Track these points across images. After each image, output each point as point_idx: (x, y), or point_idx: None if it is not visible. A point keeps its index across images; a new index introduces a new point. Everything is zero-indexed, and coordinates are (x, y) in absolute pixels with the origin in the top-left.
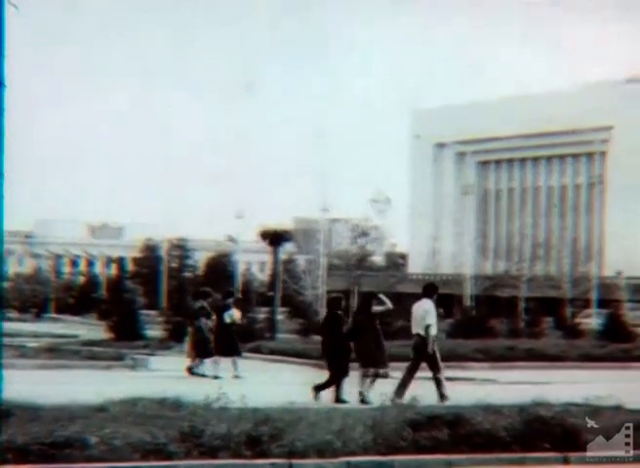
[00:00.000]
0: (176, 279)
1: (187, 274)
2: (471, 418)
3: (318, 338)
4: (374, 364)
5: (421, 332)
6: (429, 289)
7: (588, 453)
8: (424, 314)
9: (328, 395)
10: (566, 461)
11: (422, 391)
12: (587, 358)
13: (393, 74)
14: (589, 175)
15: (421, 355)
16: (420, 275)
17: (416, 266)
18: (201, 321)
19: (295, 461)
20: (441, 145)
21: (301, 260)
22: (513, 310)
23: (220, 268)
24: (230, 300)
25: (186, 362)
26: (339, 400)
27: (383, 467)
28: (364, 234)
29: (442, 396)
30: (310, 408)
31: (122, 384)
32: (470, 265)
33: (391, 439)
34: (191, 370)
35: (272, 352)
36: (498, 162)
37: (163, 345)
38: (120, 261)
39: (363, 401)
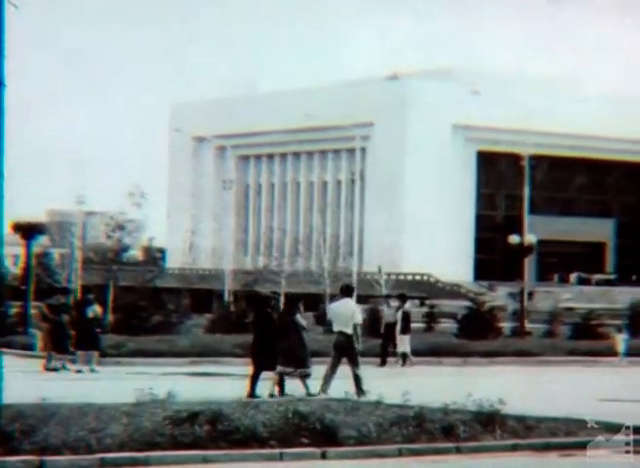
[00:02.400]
0: None
1: None
2: (230, 414)
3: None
4: (296, 364)
5: (345, 330)
6: (348, 289)
7: (346, 448)
8: (352, 313)
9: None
10: (324, 457)
11: (181, 387)
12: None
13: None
14: (350, 172)
15: (344, 351)
16: (178, 270)
17: (174, 261)
18: (63, 317)
19: (46, 458)
20: (200, 139)
21: (56, 254)
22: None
23: None
24: (92, 296)
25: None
26: (253, 395)
27: (139, 463)
28: (120, 228)
29: (360, 391)
30: (64, 404)
31: None
32: (230, 260)
33: (148, 435)
34: (48, 367)
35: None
36: (258, 157)
37: None
38: None
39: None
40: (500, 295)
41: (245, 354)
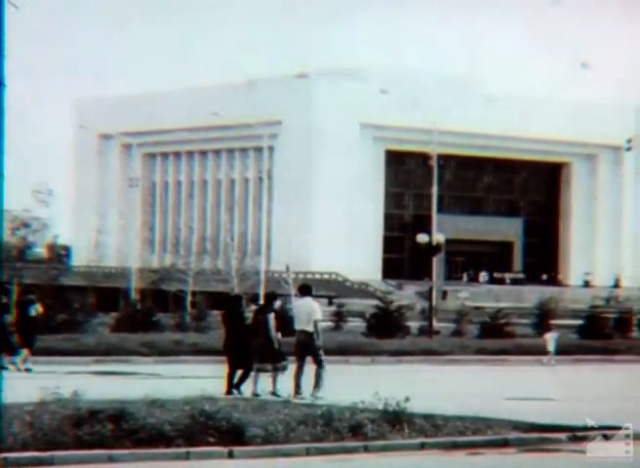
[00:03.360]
0: None
1: None
2: (135, 413)
3: None
4: (271, 360)
5: (306, 329)
6: (307, 288)
7: (253, 448)
8: (312, 311)
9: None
10: (230, 456)
11: (87, 386)
12: None
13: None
14: (258, 170)
15: (307, 349)
16: (84, 268)
17: (80, 259)
18: (5, 317)
19: None
20: (106, 136)
21: None
22: (180, 304)
23: None
24: (33, 296)
25: None
26: (230, 392)
27: (43, 463)
28: (25, 225)
29: (317, 387)
30: None
31: None
32: (136, 258)
33: (52, 434)
34: None
35: None
36: (164, 155)
37: None
38: None
39: (256, 394)
40: (408, 294)
41: (151, 353)
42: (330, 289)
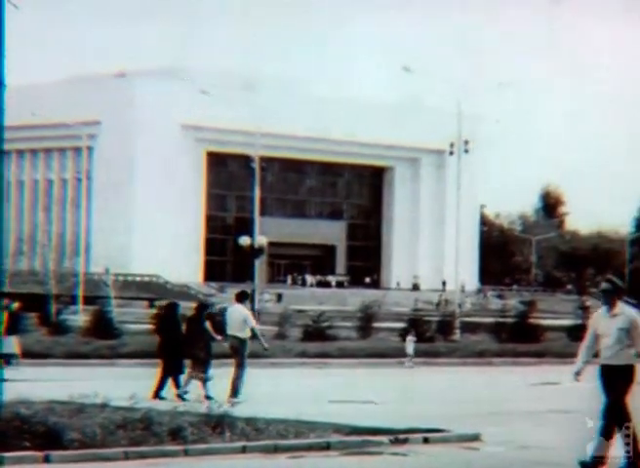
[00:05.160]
0: None
1: None
2: None
3: None
4: (202, 368)
5: (238, 334)
6: (242, 295)
7: (70, 452)
8: (243, 318)
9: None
10: (47, 460)
11: None
12: (73, 355)
13: None
14: (76, 170)
15: (236, 353)
16: None
17: None
18: None
19: None
20: None
21: None
22: None
23: None
24: None
25: None
26: (159, 397)
27: None
28: None
29: (234, 394)
30: None
31: None
32: None
33: None
34: None
35: None
36: None
37: None
38: None
39: (181, 397)
40: (230, 297)
41: None
42: (150, 291)
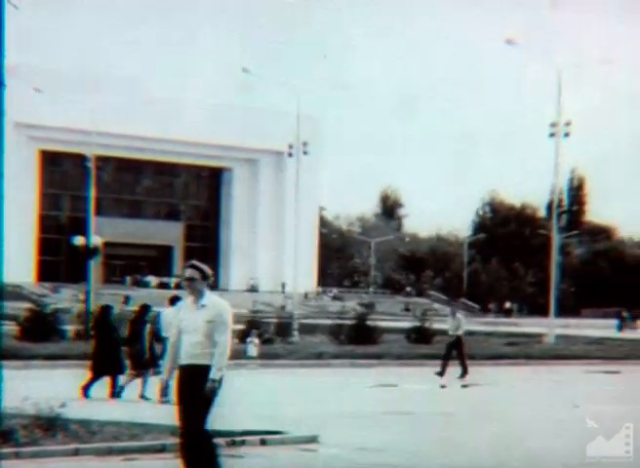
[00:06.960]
0: None
1: None
2: None
3: None
4: (144, 366)
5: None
6: (176, 299)
7: None
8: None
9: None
10: None
11: None
12: None
13: None
14: None
15: None
16: None
17: None
18: None
19: None
20: None
21: None
22: None
23: None
24: None
25: None
26: (114, 394)
27: None
28: None
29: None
30: None
31: None
32: None
33: None
34: None
35: None
36: None
37: None
38: None
39: (117, 395)
40: (64, 297)
41: None
42: None
